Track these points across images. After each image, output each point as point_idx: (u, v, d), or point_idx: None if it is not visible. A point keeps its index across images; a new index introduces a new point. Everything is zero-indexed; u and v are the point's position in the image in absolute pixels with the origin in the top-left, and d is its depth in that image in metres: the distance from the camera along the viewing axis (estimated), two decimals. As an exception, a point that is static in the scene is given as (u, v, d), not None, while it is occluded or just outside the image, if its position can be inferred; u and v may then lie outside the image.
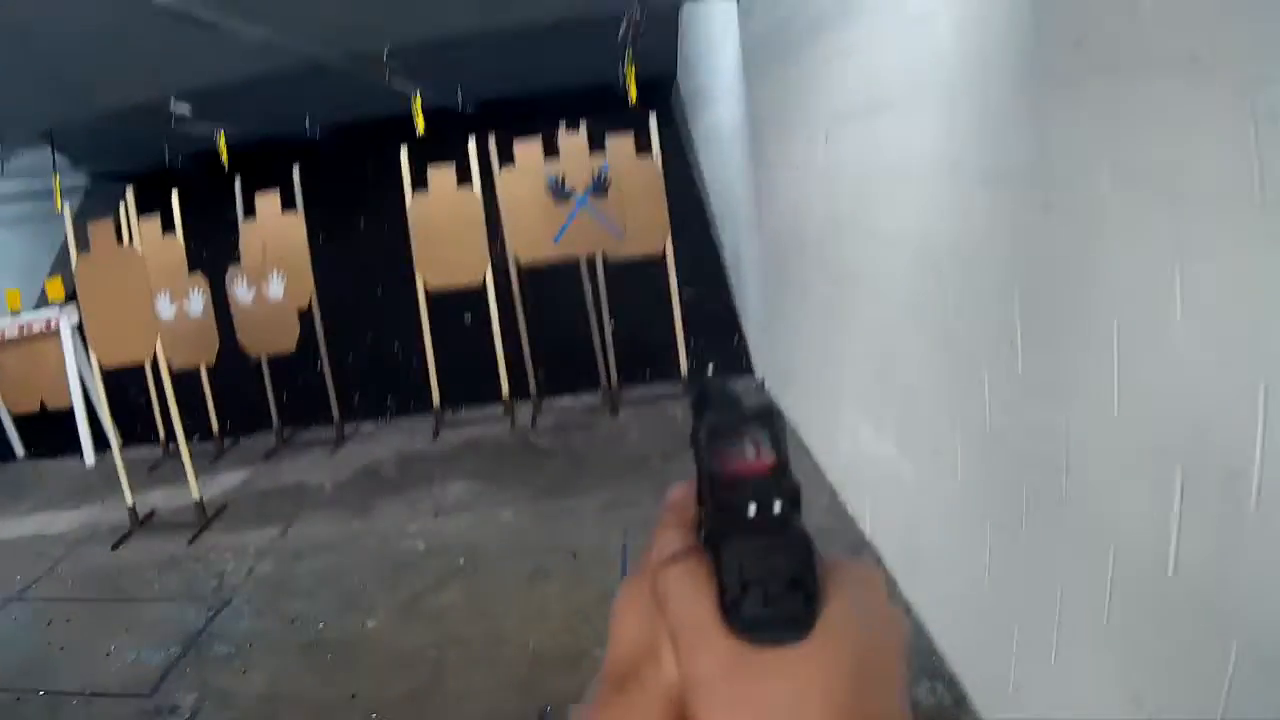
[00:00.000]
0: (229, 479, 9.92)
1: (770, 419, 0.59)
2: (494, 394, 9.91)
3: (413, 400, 10.49)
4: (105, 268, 8.33)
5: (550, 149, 9.26)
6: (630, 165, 9.23)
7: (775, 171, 8.05)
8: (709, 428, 0.59)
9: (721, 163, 10.62)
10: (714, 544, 0.57)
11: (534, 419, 9.73)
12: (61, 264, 12.42)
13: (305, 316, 10.19)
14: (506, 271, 9.81)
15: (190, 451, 8.87)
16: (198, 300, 10.04)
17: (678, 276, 9.48)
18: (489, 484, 8.65)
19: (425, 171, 9.60)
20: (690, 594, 0.56)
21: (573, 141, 9.25)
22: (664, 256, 9.44)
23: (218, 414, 10.63)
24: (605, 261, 9.63)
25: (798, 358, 7.88)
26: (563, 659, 5.60)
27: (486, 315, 9.90)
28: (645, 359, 10.12)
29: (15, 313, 10.98)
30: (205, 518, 8.72)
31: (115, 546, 8.63)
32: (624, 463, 8.32)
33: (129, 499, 8.84)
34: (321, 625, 6.77)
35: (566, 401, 10.03)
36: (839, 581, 0.57)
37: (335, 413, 10.44)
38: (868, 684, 0.54)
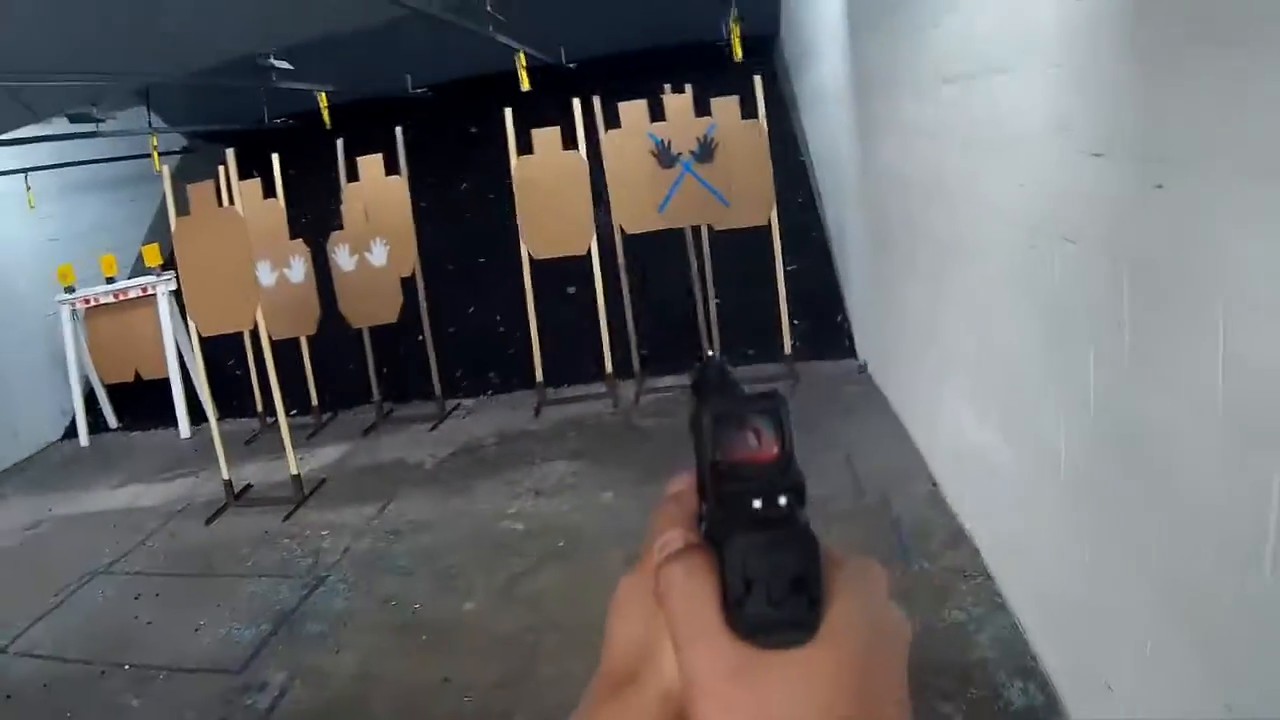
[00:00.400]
0: (327, 454, 9.62)
1: (776, 406, 0.57)
2: (596, 371, 9.56)
3: (514, 376, 10.23)
4: (205, 231, 8.04)
5: (655, 111, 8.79)
6: (736, 129, 8.74)
7: (880, 137, 7.59)
8: (713, 414, 0.56)
9: (825, 127, 10.08)
10: (716, 540, 0.55)
11: (637, 398, 9.30)
12: (158, 229, 12.27)
13: (408, 285, 9.84)
14: (611, 241, 9.39)
15: (288, 425, 8.56)
16: (299, 267, 9.75)
17: (782, 249, 8.98)
18: (591, 465, 8.25)
19: (529, 134, 9.23)
20: (692, 592, 0.55)
21: (678, 103, 8.76)
22: (769, 227, 8.91)
23: (317, 387, 10.32)
24: (710, 232, 9.17)
25: (900, 338, 7.47)
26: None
27: (591, 288, 9.50)
28: (749, 337, 9.66)
29: (111, 279, 10.80)
30: (302, 493, 8.43)
31: (209, 521, 8.36)
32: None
33: (224, 473, 8.56)
34: (417, 606, 6.44)
35: (669, 380, 9.44)
36: (844, 579, 0.55)
37: (437, 388, 10.09)
38: (872, 687, 0.52)
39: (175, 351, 10.50)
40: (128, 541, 8.24)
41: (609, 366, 9.61)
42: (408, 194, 9.67)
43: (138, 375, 10.84)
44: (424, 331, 10.01)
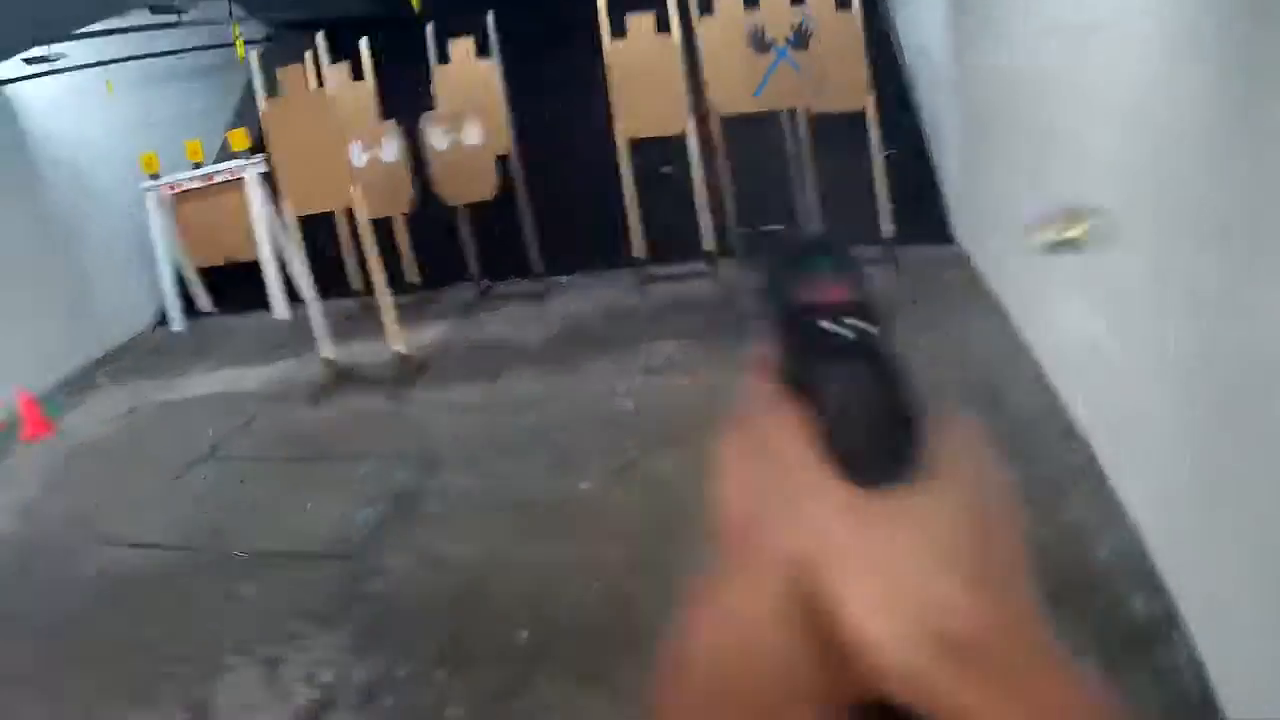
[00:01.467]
0: (428, 333, 9.54)
1: (841, 249, 0.57)
2: (695, 249, 9.64)
3: (614, 254, 9.96)
4: (297, 113, 7.97)
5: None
6: (830, 18, 8.72)
7: (977, 29, 7.53)
8: (782, 261, 0.57)
9: (920, 19, 9.74)
10: (802, 380, 0.55)
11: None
12: (243, 115, 12.08)
13: (502, 165, 9.75)
14: (706, 122, 9.33)
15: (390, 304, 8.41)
16: (390, 147, 9.62)
17: (881, 135, 8.86)
18: (696, 343, 8.11)
19: (623, 18, 9.17)
20: (787, 441, 0.54)
21: None
22: (864, 113, 8.82)
23: (415, 266, 10.14)
24: (807, 116, 9.10)
25: (1001, 226, 7.29)
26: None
27: (686, 167, 9.39)
28: (846, 220, 9.35)
29: (198, 164, 10.60)
30: (408, 372, 8.30)
31: (315, 402, 8.23)
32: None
33: (327, 352, 8.44)
34: (533, 485, 6.33)
35: (769, 258, 9.11)
36: (945, 434, 0.54)
37: (539, 265, 10.09)
38: (987, 541, 0.51)
39: (267, 234, 10.29)
40: (229, 425, 8.21)
41: (708, 244, 9.50)
42: (499, 75, 9.63)
43: (228, 259, 10.65)
44: (521, 208, 9.87)
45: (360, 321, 10.01)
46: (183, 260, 11.07)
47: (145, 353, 10.80)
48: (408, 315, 9.50)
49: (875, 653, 0.48)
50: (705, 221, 9.35)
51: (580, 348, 8.50)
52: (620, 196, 9.41)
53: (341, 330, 9.67)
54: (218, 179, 10.42)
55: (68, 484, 7.52)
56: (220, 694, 4.81)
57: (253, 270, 10.33)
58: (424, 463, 6.85)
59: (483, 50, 9.53)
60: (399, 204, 9.46)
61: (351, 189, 8.02)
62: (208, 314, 11.37)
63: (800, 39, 8.75)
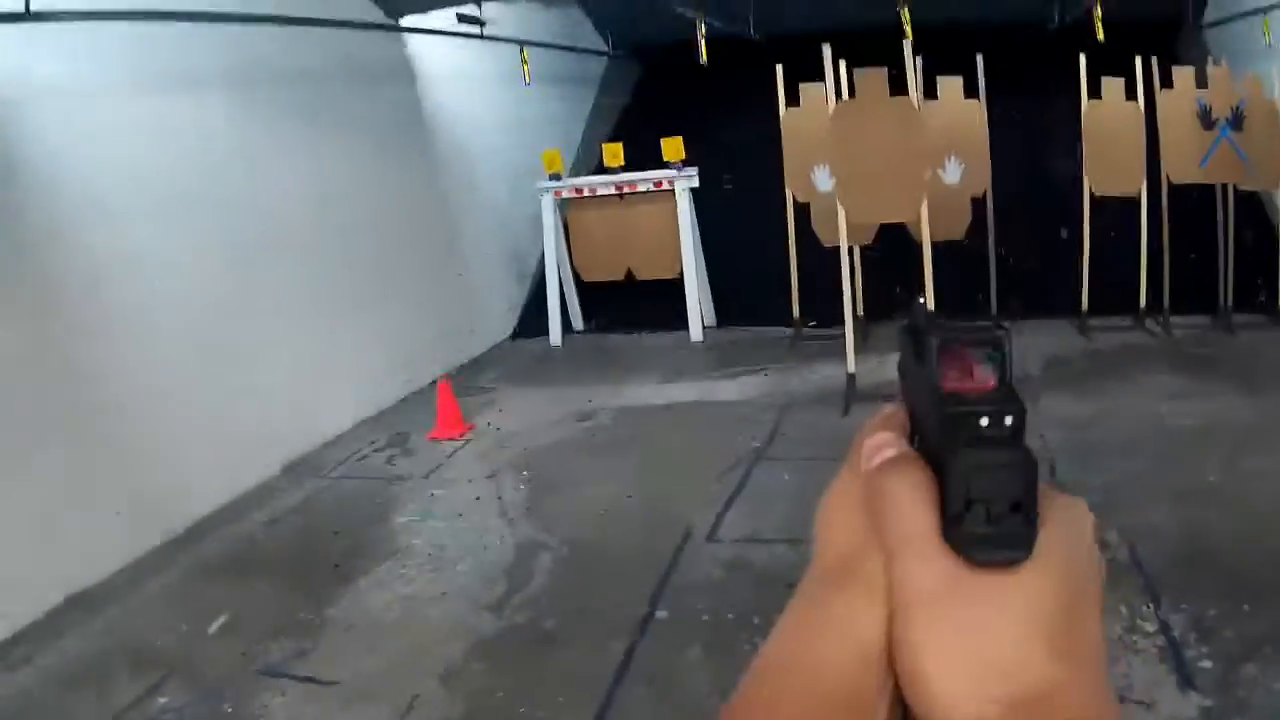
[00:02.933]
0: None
1: (999, 337, 0.58)
2: (1132, 305, 9.81)
3: (1056, 302, 10.05)
4: (874, 119, 7.71)
5: (1199, 78, 9.35)
6: (1258, 104, 9.11)
7: None
8: (939, 342, 0.57)
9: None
10: (937, 455, 0.57)
11: (1166, 328, 9.68)
12: (621, 126, 11.82)
13: (978, 205, 9.66)
14: (1157, 186, 9.56)
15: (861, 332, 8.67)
16: (954, 170, 9.53)
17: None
18: (1187, 378, 8.28)
19: (1098, 82, 9.39)
20: (911, 503, 0.56)
21: (1219, 73, 9.29)
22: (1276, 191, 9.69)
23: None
24: (1235, 191, 9.68)
25: None
26: None
27: (1136, 226, 9.55)
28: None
29: (609, 170, 10.28)
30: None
31: (845, 413, 7.99)
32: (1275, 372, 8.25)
33: (851, 365, 8.21)
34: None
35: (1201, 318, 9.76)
36: (1054, 511, 0.56)
37: (993, 305, 9.99)
38: (1076, 617, 0.54)
39: (692, 251, 10.04)
40: (752, 430, 7.85)
41: (1142, 302, 9.83)
42: (985, 116, 9.54)
43: (629, 274, 10.34)
44: (990, 250, 9.83)
45: (799, 347, 9.96)
46: (566, 270, 10.64)
47: (527, 362, 10.27)
48: (867, 344, 9.29)
49: (940, 706, 0.52)
50: (1144, 278, 9.69)
51: (1072, 378, 8.56)
52: (1079, 249, 9.65)
53: (786, 353, 9.67)
54: (641, 187, 10.12)
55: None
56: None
57: (629, 289, 10.12)
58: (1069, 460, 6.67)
59: (971, 89, 9.54)
60: (956, 229, 9.23)
61: (923, 204, 7.78)
62: (579, 331, 10.96)
63: (1237, 119, 9.22)
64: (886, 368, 8.68)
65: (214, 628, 5.38)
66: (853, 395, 8.20)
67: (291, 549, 6.28)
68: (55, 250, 5.96)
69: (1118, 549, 5.35)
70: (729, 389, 8.95)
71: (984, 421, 0.54)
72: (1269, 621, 4.59)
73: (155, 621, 5.52)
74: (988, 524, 0.53)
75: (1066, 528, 0.56)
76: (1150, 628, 4.66)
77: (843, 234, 7.93)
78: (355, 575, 5.85)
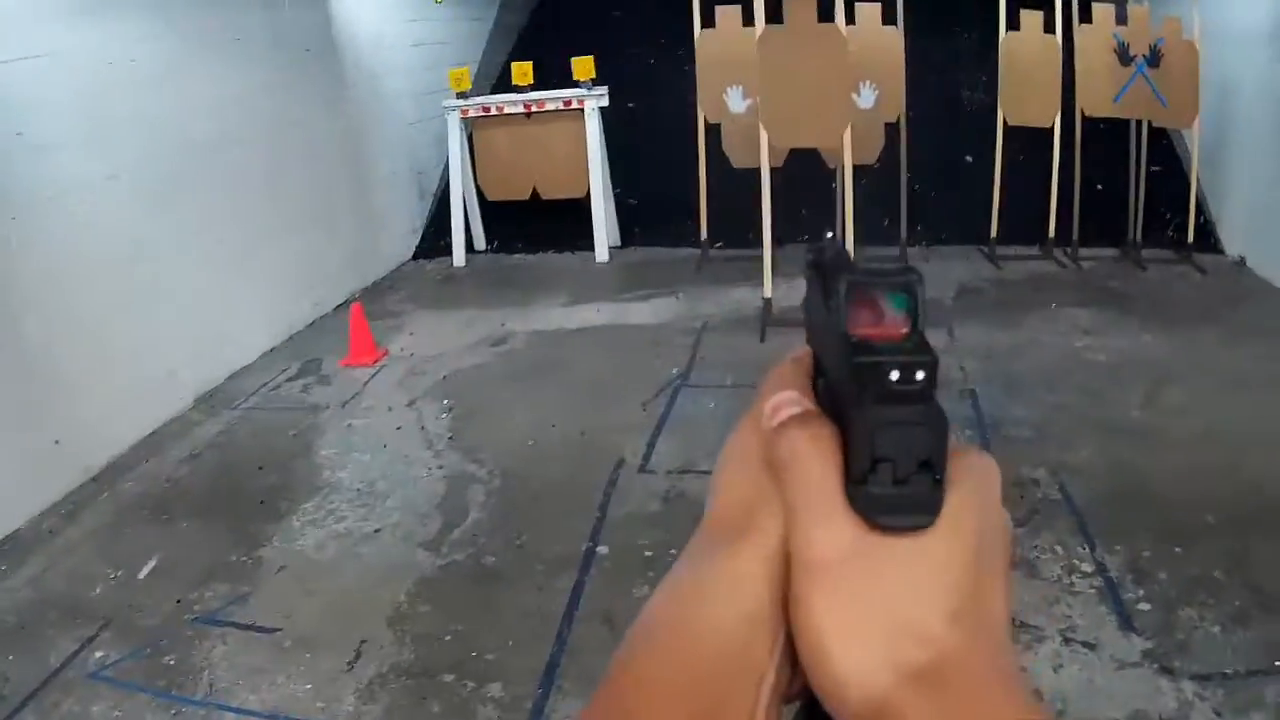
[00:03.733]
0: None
1: (911, 281, 0.53)
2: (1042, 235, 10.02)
3: (967, 229, 10.23)
4: (801, 44, 7.65)
5: (1119, 15, 9.57)
6: (1175, 43, 9.41)
7: None
8: (847, 285, 0.53)
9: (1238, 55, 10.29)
10: (840, 407, 0.54)
11: (1075, 258, 9.91)
12: (523, 47, 11.55)
13: (891, 131, 9.68)
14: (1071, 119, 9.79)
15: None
16: (869, 95, 9.50)
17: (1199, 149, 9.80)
18: (1104, 311, 8.45)
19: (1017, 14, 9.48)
20: (813, 461, 0.53)
21: (1139, 12, 9.37)
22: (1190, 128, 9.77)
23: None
24: (1149, 127, 9.90)
25: None
26: None
27: (1048, 157, 9.72)
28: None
29: (520, 88, 10.05)
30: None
31: (763, 338, 8.02)
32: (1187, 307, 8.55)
33: (768, 290, 8.20)
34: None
35: (1097, 249, 10.00)
36: (961, 470, 0.53)
37: (903, 231, 10.08)
38: (982, 585, 0.52)
39: (600, 171, 9.90)
40: (671, 355, 7.83)
41: (1051, 232, 10.00)
42: (902, 44, 9.51)
43: (535, 194, 10.17)
44: (901, 174, 9.93)
45: (709, 270, 9.90)
46: (470, 190, 10.43)
47: (433, 283, 10.07)
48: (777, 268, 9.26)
49: (837, 674, 0.50)
50: (1053, 209, 9.89)
51: (992, 306, 8.66)
52: (983, 176, 9.79)
53: (715, 275, 9.53)
54: (549, 106, 9.92)
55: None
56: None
57: (532, 208, 10.14)
58: (966, 394, 6.77)
59: (889, 17, 9.51)
60: (868, 154, 9.20)
61: (846, 130, 7.78)
62: (481, 251, 10.78)
63: (1154, 57, 9.42)
64: (798, 292, 8.59)
65: (144, 573, 5.22)
66: (769, 320, 8.21)
67: (214, 486, 6.11)
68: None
69: (1049, 487, 5.48)
70: (642, 311, 8.91)
71: (894, 375, 0.51)
72: (1200, 564, 4.73)
73: (83, 569, 5.33)
74: (894, 485, 0.51)
75: (975, 489, 0.54)
76: (1088, 568, 4.76)
77: (764, 156, 7.87)
78: (284, 513, 5.71)
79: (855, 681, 0.50)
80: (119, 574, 5.24)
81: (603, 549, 5.18)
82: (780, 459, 0.54)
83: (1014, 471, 5.50)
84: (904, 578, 0.51)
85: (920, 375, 0.50)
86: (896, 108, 9.56)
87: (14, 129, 5.84)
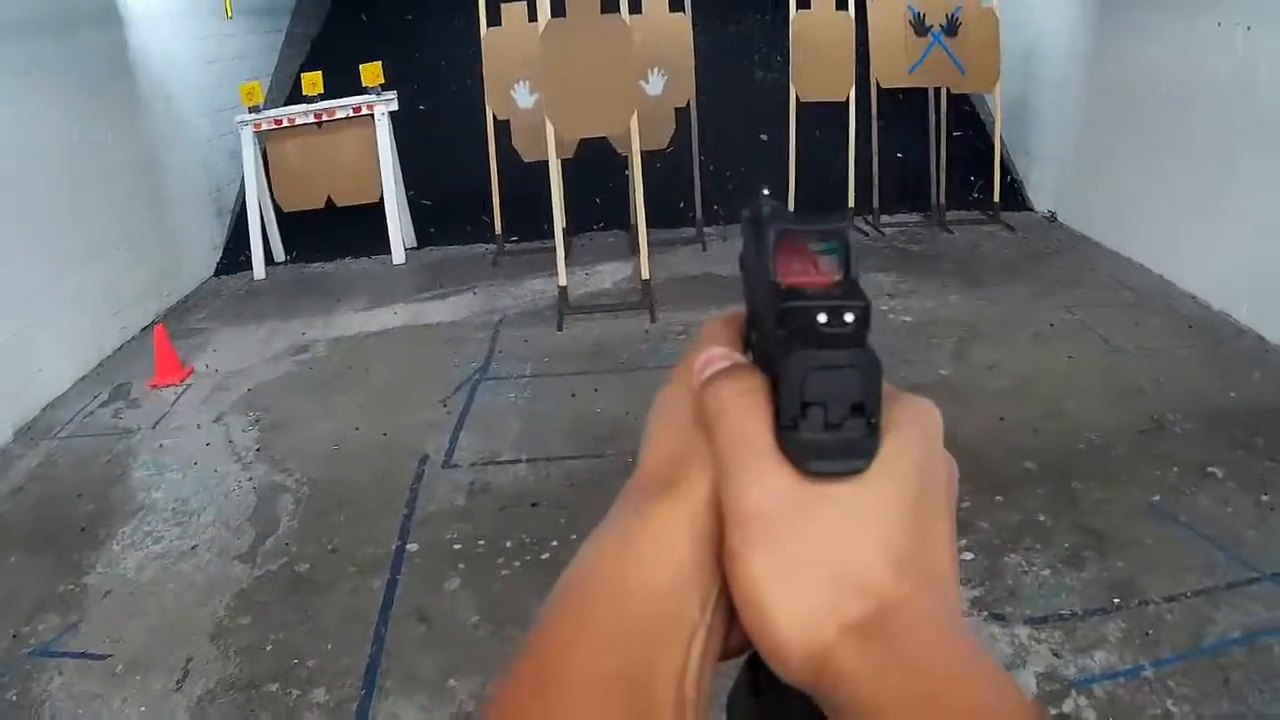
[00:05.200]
0: (610, 271, 9.73)
1: (840, 230, 0.55)
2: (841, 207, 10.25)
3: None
4: (585, 35, 7.98)
5: None
6: (974, 10, 9.83)
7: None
8: (775, 233, 0.54)
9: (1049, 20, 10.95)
10: (769, 362, 0.54)
11: (877, 225, 10.51)
12: (317, 58, 11.60)
13: (682, 115, 10.07)
14: (866, 92, 10.32)
15: (565, 246, 8.88)
16: (658, 82, 9.81)
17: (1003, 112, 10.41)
18: (904, 275, 8.95)
19: None
20: (743, 414, 0.53)
21: None
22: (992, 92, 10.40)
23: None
24: (947, 94, 10.36)
25: (1119, 191, 9.14)
26: None
27: (845, 130, 10.23)
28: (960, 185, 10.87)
29: (310, 98, 10.17)
30: (649, 298, 8.51)
31: (560, 326, 8.39)
32: (995, 265, 9.22)
33: (562, 279, 8.56)
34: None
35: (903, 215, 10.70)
36: (900, 414, 0.53)
37: (698, 213, 10.49)
38: (924, 530, 0.52)
39: (392, 175, 10.10)
40: (469, 350, 8.13)
41: (850, 202, 10.46)
42: (690, 29, 9.81)
43: (330, 202, 10.32)
44: (694, 158, 10.34)
45: (505, 263, 10.23)
46: (265, 203, 10.53)
47: (234, 298, 10.08)
48: (572, 257, 9.60)
49: (776, 629, 0.49)
50: (851, 182, 10.40)
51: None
52: (780, 152, 10.28)
53: (492, 270, 9.97)
54: (340, 114, 10.09)
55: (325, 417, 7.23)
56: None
57: (328, 216, 10.35)
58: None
59: (676, 4, 9.84)
60: (659, 139, 9.55)
61: (633, 117, 8.08)
62: (281, 262, 10.86)
63: (952, 26, 9.89)
64: (594, 279, 9.12)
65: (-27, 610, 5.28)
66: (566, 308, 8.52)
67: (36, 517, 6.14)
68: None
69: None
70: (439, 309, 9.11)
71: (822, 318, 0.51)
72: (1023, 510, 5.11)
73: (-97, 611, 5.36)
74: (826, 430, 0.50)
75: (913, 433, 0.53)
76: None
77: (551, 148, 8.18)
78: (104, 538, 5.80)
79: (796, 636, 0.49)
80: (-56, 613, 5.28)
81: (412, 546, 5.43)
82: (709, 412, 0.54)
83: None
84: (841, 526, 0.50)
85: (850, 318, 0.51)
86: (687, 92, 9.89)
87: None
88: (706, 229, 10.44)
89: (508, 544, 5.29)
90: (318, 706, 4.36)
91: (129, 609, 5.18)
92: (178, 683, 4.58)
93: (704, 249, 10.15)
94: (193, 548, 5.67)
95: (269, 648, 4.75)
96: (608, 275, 9.37)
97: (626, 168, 9.64)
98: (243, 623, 4.96)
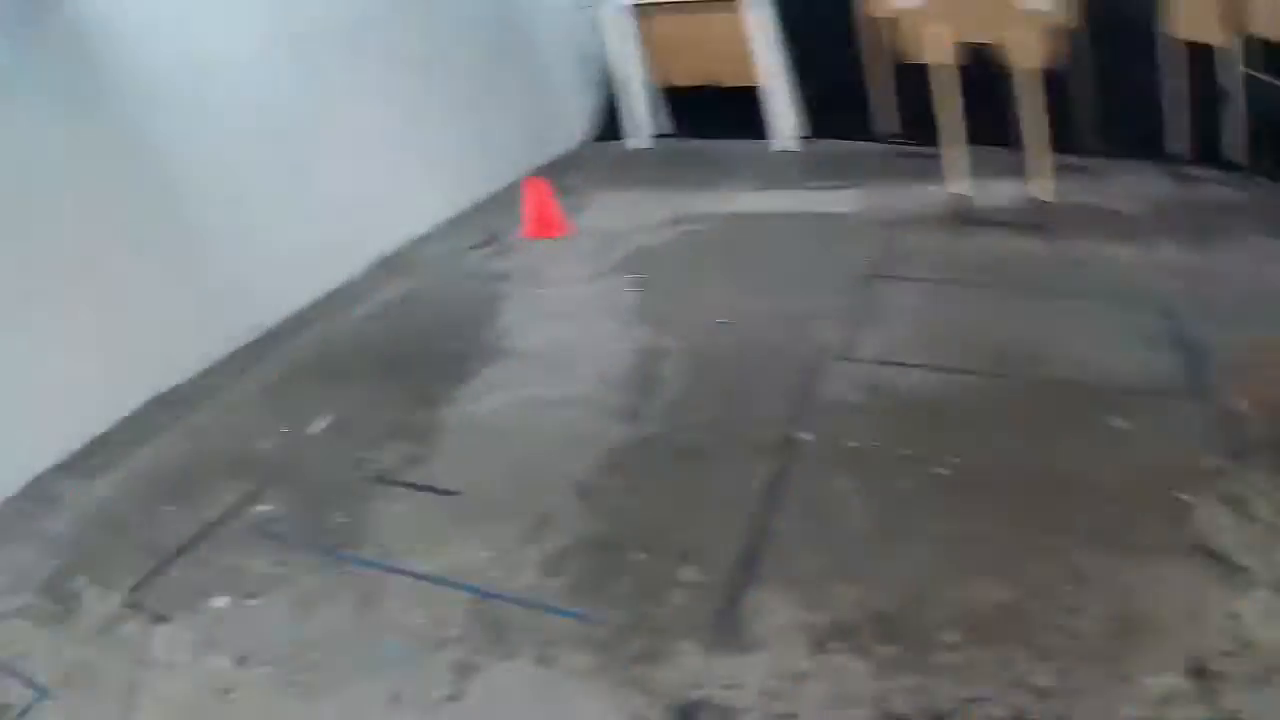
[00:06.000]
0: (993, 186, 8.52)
1: None
2: None
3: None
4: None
5: None
6: None
7: None
8: None
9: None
10: None
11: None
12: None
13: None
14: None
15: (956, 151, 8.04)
16: None
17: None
18: None
19: None
20: None
21: None
22: None
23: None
24: None
25: None
26: None
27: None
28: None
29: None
30: (1049, 221, 7.61)
31: (955, 234, 7.54)
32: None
33: (957, 187, 7.88)
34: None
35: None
36: None
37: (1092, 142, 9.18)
38: None
39: (773, 58, 9.48)
40: (864, 246, 7.35)
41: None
42: None
43: (708, 81, 9.84)
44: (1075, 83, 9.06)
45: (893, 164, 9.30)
46: (637, 77, 10.15)
47: (612, 164, 9.78)
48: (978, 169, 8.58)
49: None
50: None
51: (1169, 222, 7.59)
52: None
53: (889, 170, 9.08)
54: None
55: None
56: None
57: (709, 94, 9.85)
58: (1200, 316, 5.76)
59: None
60: (1042, 57, 8.44)
61: (1025, 26, 7.43)
62: (659, 136, 10.45)
63: None
64: (984, 193, 8.19)
65: (317, 429, 4.98)
66: (965, 217, 7.78)
67: (391, 347, 5.95)
68: (119, 57, 5.57)
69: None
70: (828, 200, 8.43)
71: None
72: None
73: (249, 424, 5.21)
74: None
75: None
76: None
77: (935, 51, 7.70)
78: (466, 375, 5.51)
79: None
80: (288, 430, 5.09)
81: (806, 435, 4.81)
82: None
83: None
84: None
85: None
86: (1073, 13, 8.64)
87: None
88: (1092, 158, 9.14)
89: (907, 451, 4.59)
90: (686, 585, 3.85)
91: (485, 449, 4.84)
92: (533, 530, 4.17)
93: (1089, 177, 8.81)
94: (563, 398, 5.28)
95: (640, 514, 4.28)
96: (998, 191, 8.38)
97: (1009, 81, 8.53)
98: (613, 483, 4.51)
